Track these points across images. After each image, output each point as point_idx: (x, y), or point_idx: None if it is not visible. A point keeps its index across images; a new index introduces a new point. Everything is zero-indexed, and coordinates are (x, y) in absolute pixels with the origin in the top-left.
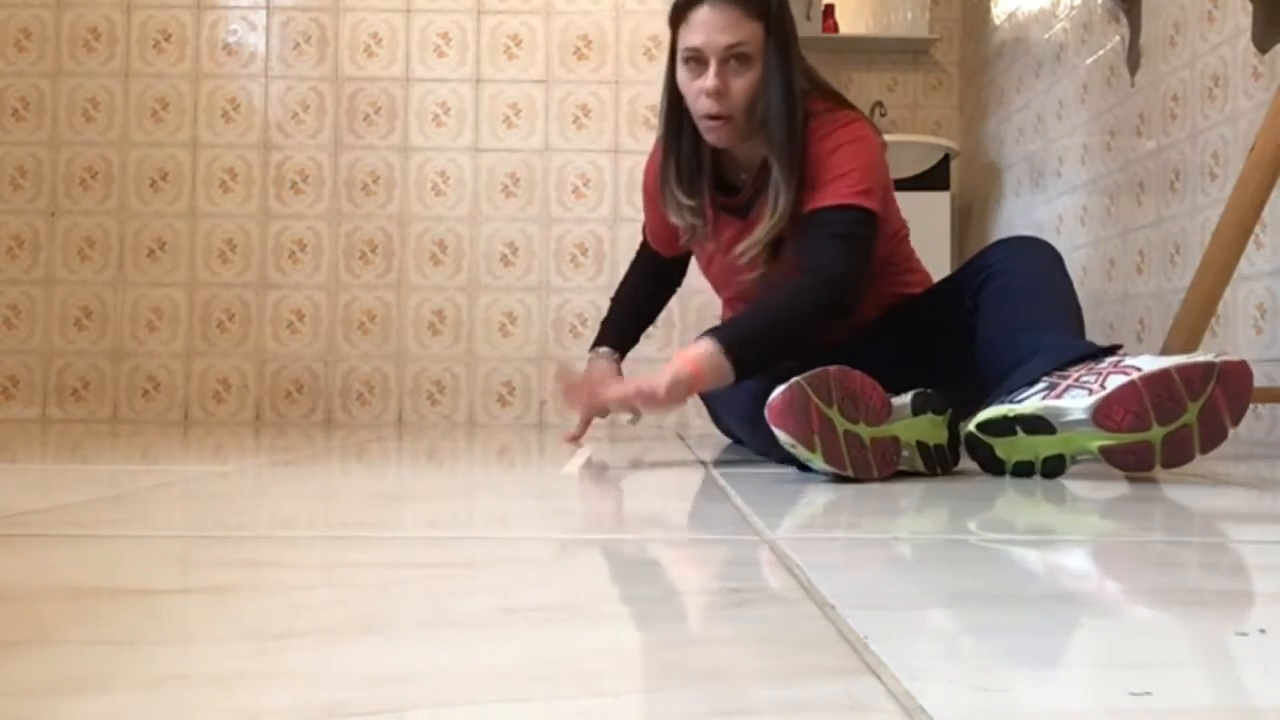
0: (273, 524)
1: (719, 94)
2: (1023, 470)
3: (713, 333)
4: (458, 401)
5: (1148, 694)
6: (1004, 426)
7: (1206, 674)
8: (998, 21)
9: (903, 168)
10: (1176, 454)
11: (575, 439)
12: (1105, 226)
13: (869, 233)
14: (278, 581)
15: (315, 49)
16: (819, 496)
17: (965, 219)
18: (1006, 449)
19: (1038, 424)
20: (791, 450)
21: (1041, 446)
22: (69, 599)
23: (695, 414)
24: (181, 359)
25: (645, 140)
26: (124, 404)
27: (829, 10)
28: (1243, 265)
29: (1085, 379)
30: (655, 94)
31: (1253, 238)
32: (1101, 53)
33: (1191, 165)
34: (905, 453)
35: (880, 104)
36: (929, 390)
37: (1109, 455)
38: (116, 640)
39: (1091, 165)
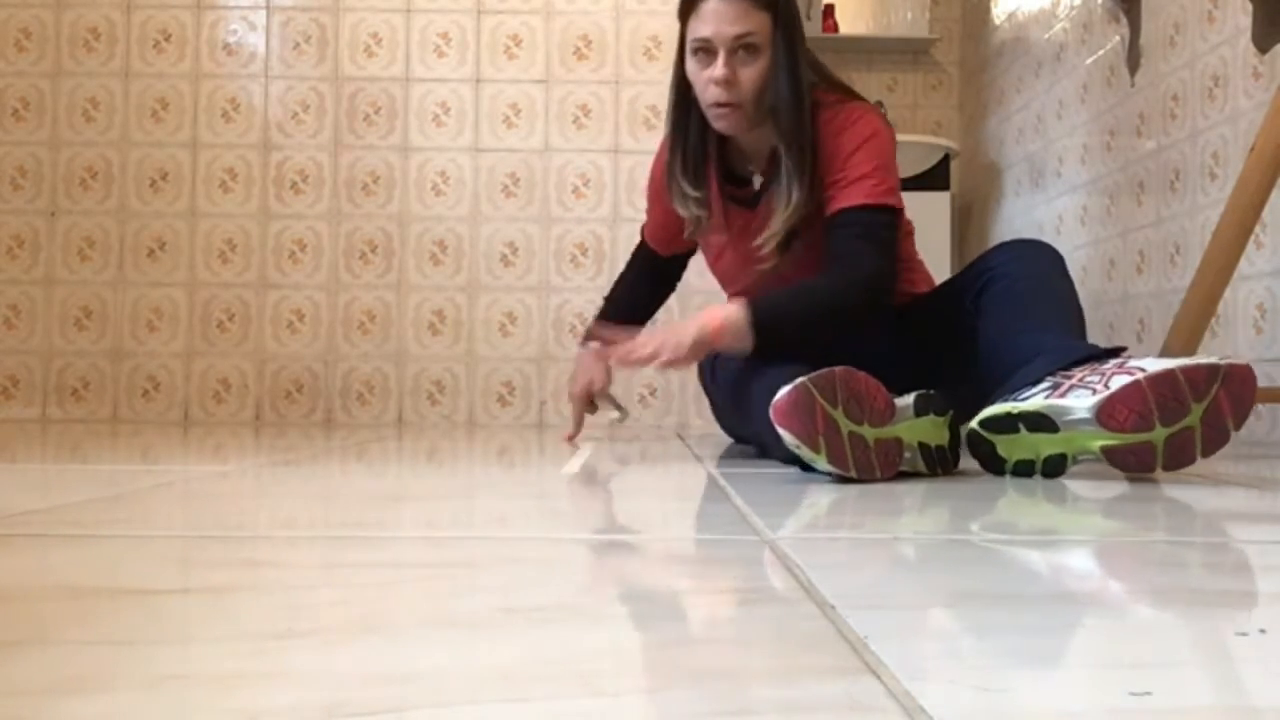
0: (273, 524)
1: (728, 83)
2: (1023, 469)
3: (752, 305)
4: (458, 401)
5: (1148, 694)
6: (1007, 424)
7: (1206, 674)
8: (998, 21)
9: (903, 168)
10: (1178, 455)
11: (573, 437)
12: (1105, 226)
13: (894, 233)
14: (278, 581)
15: (315, 49)
16: (820, 497)
17: (965, 219)
18: (1008, 447)
19: (1041, 421)
20: (796, 451)
21: (1043, 445)
22: (69, 599)
23: (695, 414)
24: (181, 359)
25: (645, 140)
26: (124, 404)
27: (829, 10)
28: (1243, 265)
29: (1089, 379)
30: (655, 94)
31: (1253, 238)
32: (1101, 53)
33: (1191, 165)
34: (907, 454)
35: (880, 104)
36: (931, 391)
37: (1111, 455)
38: (116, 640)
39: (1091, 165)
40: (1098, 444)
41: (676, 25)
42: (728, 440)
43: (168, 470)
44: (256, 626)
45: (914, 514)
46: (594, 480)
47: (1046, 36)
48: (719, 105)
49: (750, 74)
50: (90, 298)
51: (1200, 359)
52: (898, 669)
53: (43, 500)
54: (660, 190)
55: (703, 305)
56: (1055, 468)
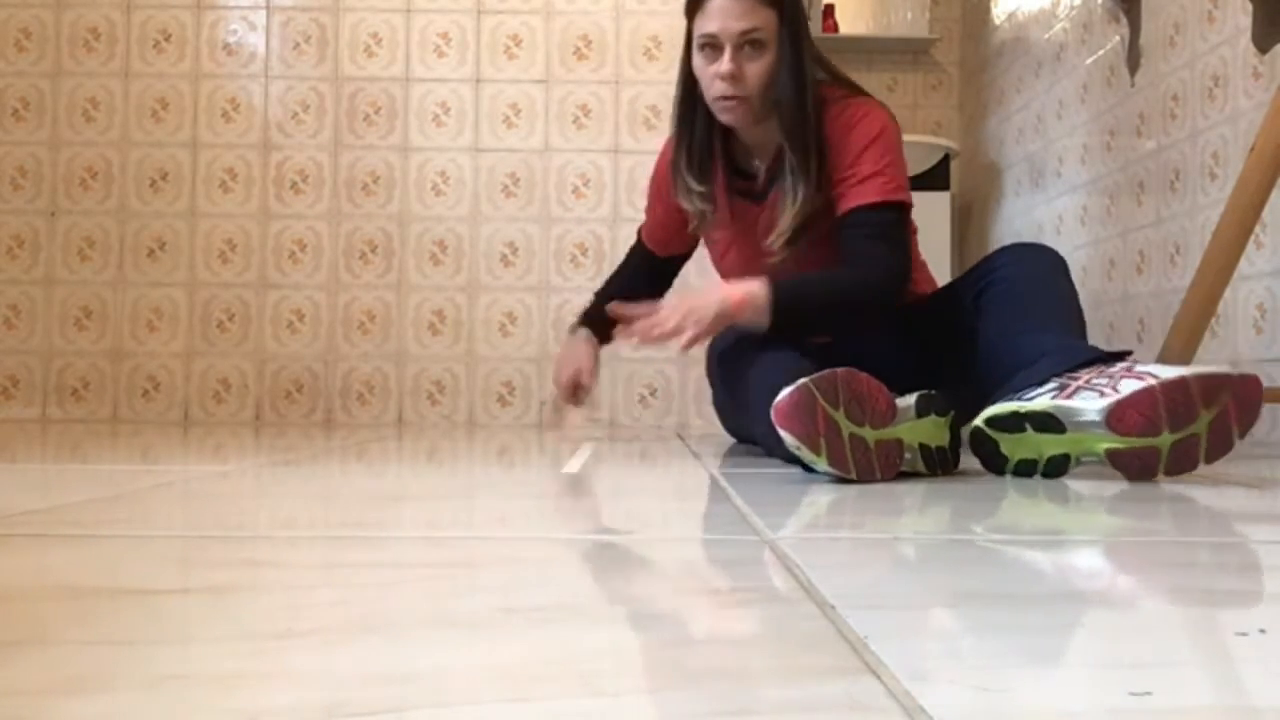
0: (273, 524)
1: (734, 78)
2: (1025, 469)
3: (769, 280)
4: (458, 401)
5: (1148, 694)
6: (1013, 423)
7: (1206, 674)
8: (998, 21)
9: None
10: (1182, 462)
11: (553, 426)
12: (1105, 226)
13: (906, 230)
14: (278, 581)
15: (315, 49)
16: (820, 497)
17: (965, 219)
18: (1012, 446)
19: (1049, 422)
20: (796, 452)
21: (1048, 445)
22: (69, 599)
23: (695, 414)
24: (181, 359)
25: (645, 140)
26: (124, 404)
27: (829, 10)
28: (1243, 265)
29: (1096, 381)
30: (655, 94)
31: (1253, 238)
32: (1101, 53)
33: (1191, 165)
34: (908, 454)
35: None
36: (933, 392)
37: (1115, 459)
38: (116, 640)
39: (1091, 165)
40: (1103, 447)
41: (676, 25)
42: (728, 440)
43: (168, 470)
44: (256, 626)
45: (914, 514)
46: (594, 480)
47: (1046, 36)
48: (724, 99)
49: (755, 69)
50: (90, 298)
51: (1213, 368)
52: (898, 669)
53: (43, 500)
54: (663, 186)
55: None
56: (1057, 469)
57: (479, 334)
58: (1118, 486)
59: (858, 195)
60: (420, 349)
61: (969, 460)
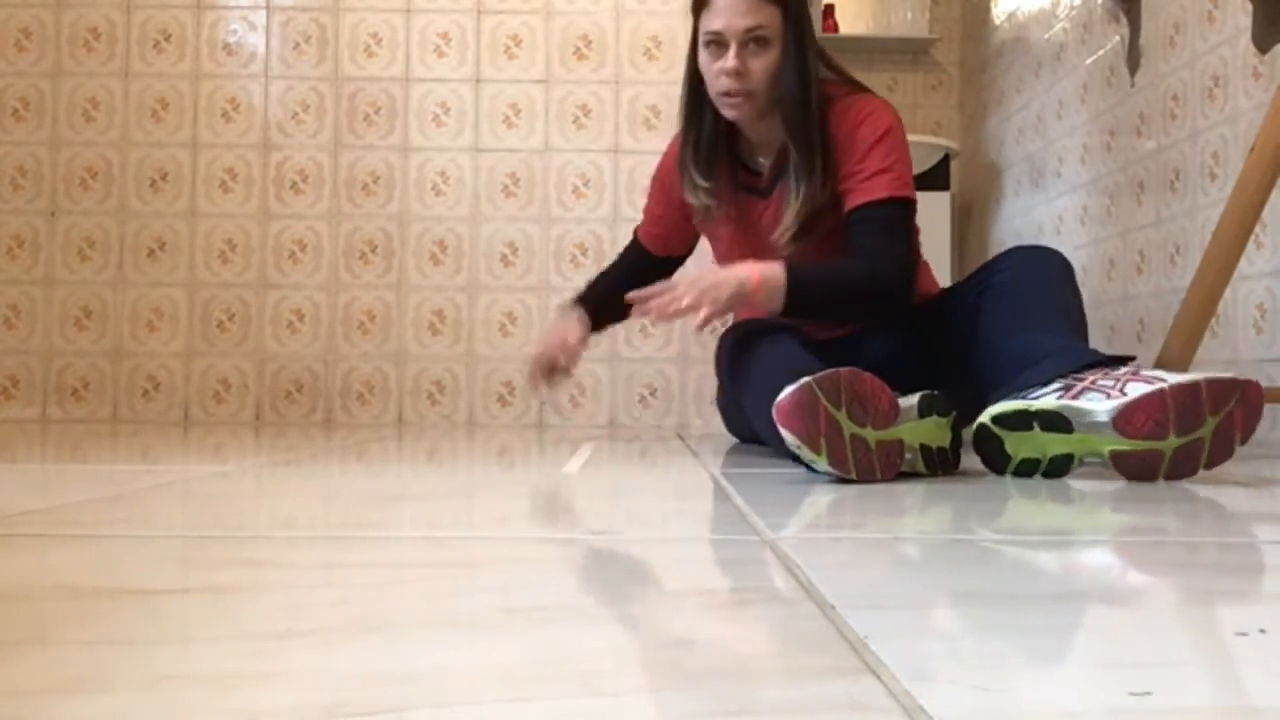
0: (273, 524)
1: (738, 74)
2: (1027, 468)
3: (790, 267)
4: (458, 401)
5: (1148, 694)
6: (1020, 420)
7: (1206, 674)
8: (998, 21)
9: None
10: (1183, 466)
11: (554, 370)
12: (1105, 226)
13: (912, 226)
14: (278, 581)
15: (315, 49)
16: (820, 497)
17: (965, 219)
18: (1016, 444)
19: (1057, 421)
20: (796, 451)
21: (1052, 445)
22: (69, 599)
23: (695, 414)
24: (181, 359)
25: (645, 140)
26: (124, 404)
27: (829, 10)
28: (1243, 265)
29: (1102, 383)
30: (655, 94)
31: (1253, 238)
32: (1101, 53)
33: (1191, 165)
34: (908, 455)
35: None
36: (935, 392)
37: (1118, 461)
38: (116, 640)
39: (1091, 165)
40: (1109, 448)
41: (677, 25)
42: (728, 440)
43: (168, 470)
44: (256, 626)
45: (915, 514)
46: (594, 480)
47: (1046, 36)
48: (729, 95)
49: (760, 65)
50: (90, 298)
51: (1222, 374)
52: (898, 669)
53: (43, 500)
54: (665, 183)
55: None
56: (1059, 469)
57: (479, 334)
58: (1118, 486)
59: (866, 191)
60: (420, 349)
61: (969, 461)
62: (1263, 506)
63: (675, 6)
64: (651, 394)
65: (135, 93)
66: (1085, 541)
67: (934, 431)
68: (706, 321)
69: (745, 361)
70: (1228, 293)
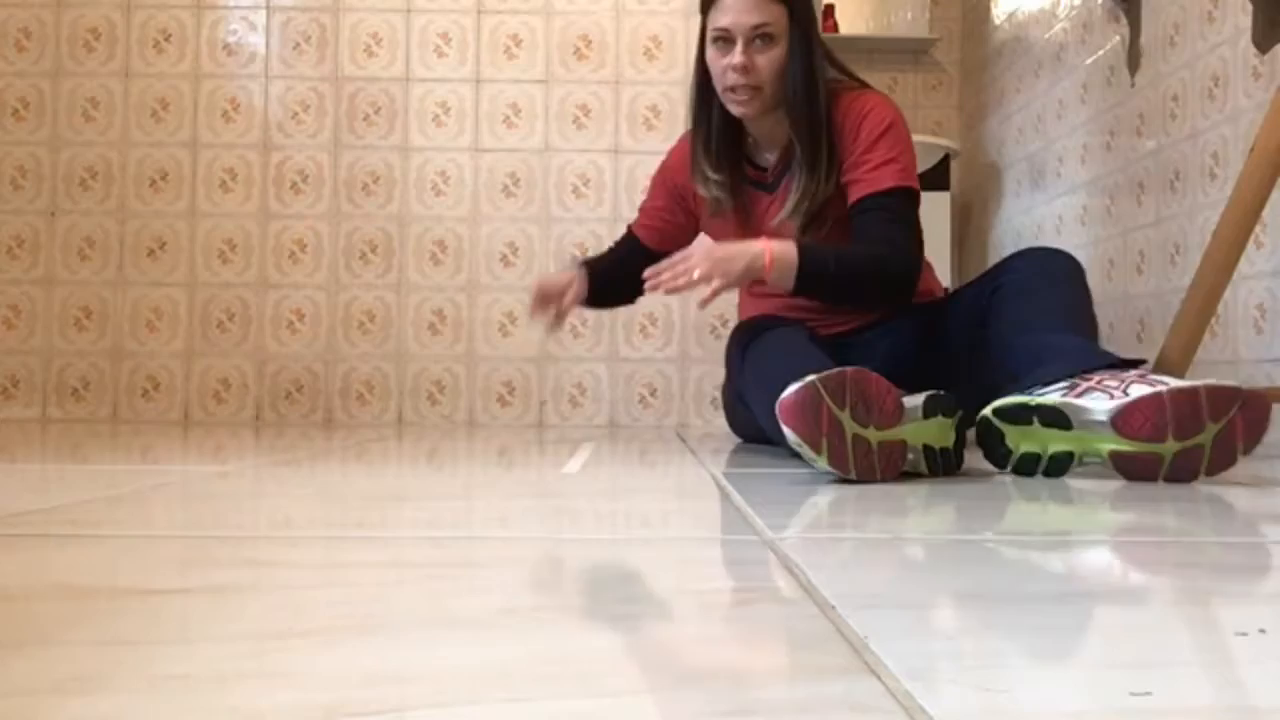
0: (273, 524)
1: (745, 69)
2: (1028, 463)
3: (801, 246)
4: (458, 401)
5: (1148, 694)
6: (1021, 414)
7: (1206, 674)
8: (998, 21)
9: None
10: (1182, 471)
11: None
12: (1105, 226)
13: (918, 216)
14: (278, 581)
15: (315, 49)
16: (821, 497)
17: (965, 219)
18: (1017, 438)
19: (1055, 417)
20: (797, 449)
21: (1053, 441)
22: (69, 599)
23: (695, 414)
24: (181, 359)
25: (645, 140)
26: (124, 404)
27: (829, 10)
28: (1243, 265)
29: (1108, 384)
30: (655, 94)
31: (1253, 238)
32: (1101, 53)
33: (1191, 165)
34: (910, 455)
35: None
36: (941, 392)
37: (1118, 461)
38: (116, 640)
39: (1091, 165)
40: (1108, 448)
41: (677, 25)
42: (728, 440)
43: (168, 470)
44: (256, 626)
45: (916, 514)
46: (594, 480)
47: (1046, 36)
48: (735, 90)
49: (766, 61)
50: (90, 298)
51: (1226, 383)
52: (898, 669)
53: (43, 500)
54: (671, 178)
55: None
56: (1060, 466)
57: (479, 334)
58: (1119, 486)
59: (873, 182)
60: (420, 349)
61: (972, 461)
62: (1263, 506)
63: (675, 6)
64: (651, 394)
65: (135, 93)
66: (1086, 541)
67: (938, 432)
68: (714, 294)
69: (755, 355)
70: (1228, 293)
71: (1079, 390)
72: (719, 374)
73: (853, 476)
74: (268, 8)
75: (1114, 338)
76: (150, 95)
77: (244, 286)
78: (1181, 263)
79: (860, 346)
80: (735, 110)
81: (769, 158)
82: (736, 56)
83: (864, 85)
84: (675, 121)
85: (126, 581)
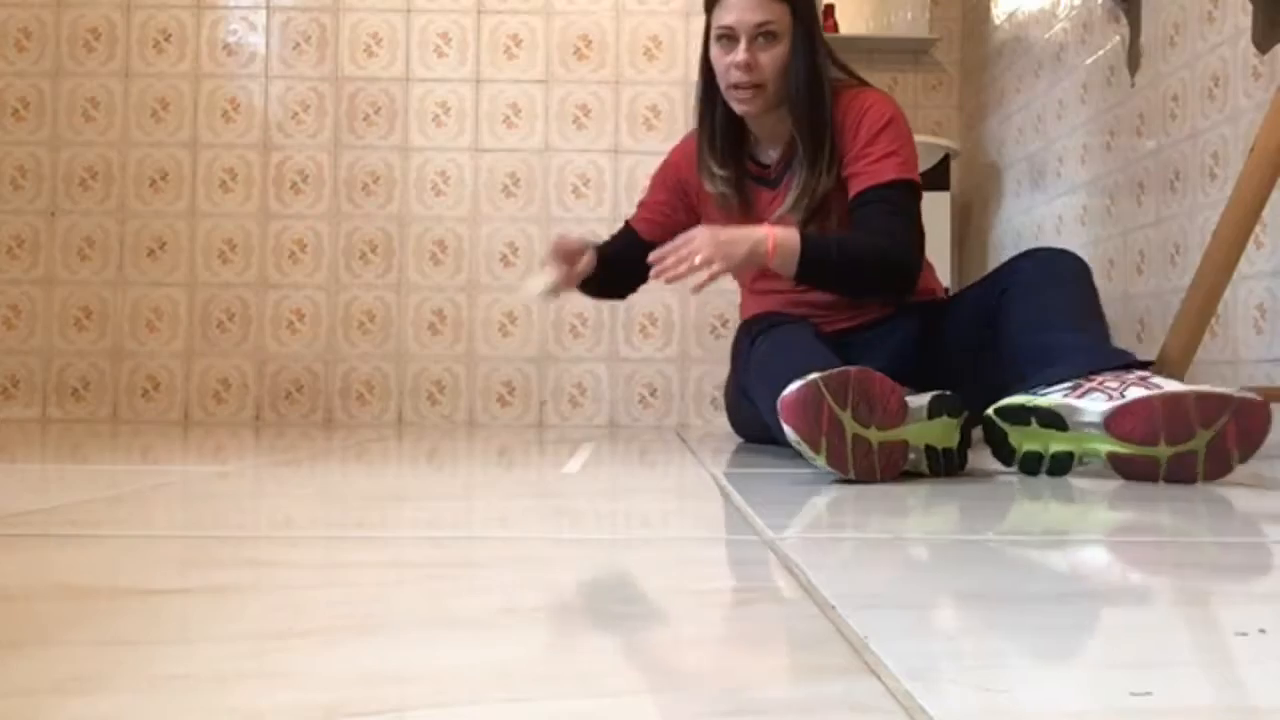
0: (273, 524)
1: (748, 67)
2: (1031, 461)
3: (804, 233)
4: (458, 401)
5: (1148, 694)
6: (1020, 414)
7: (1206, 674)
8: (998, 21)
9: None
10: (1179, 475)
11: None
12: (1105, 226)
13: (919, 208)
14: (278, 581)
15: (315, 49)
16: (821, 497)
17: (965, 219)
18: (1019, 437)
19: (1051, 418)
20: (796, 447)
21: (1054, 441)
22: (69, 599)
23: (695, 414)
24: (181, 359)
25: (645, 140)
26: (124, 404)
27: (829, 10)
28: (1243, 265)
29: (1108, 385)
30: (655, 94)
31: (1253, 238)
32: (1101, 53)
33: (1191, 165)
34: (912, 455)
35: None
36: (947, 393)
37: (1115, 462)
38: (116, 640)
39: (1091, 165)
40: (1105, 449)
41: (677, 25)
42: (728, 440)
43: (168, 470)
44: (256, 626)
45: (916, 514)
46: (594, 480)
47: (1046, 36)
48: (739, 87)
49: (769, 58)
50: (90, 298)
51: (1218, 389)
52: (898, 669)
53: (43, 500)
54: (673, 173)
55: (702, 304)
56: (1062, 466)
57: (479, 334)
58: (1119, 485)
59: (874, 175)
60: (420, 349)
61: (975, 461)
62: (1263, 506)
63: (675, 7)
64: (651, 394)
65: (135, 93)
66: (1086, 541)
67: (942, 433)
68: (711, 278)
69: (762, 350)
70: (1228, 293)
71: (1081, 391)
72: (719, 374)
73: (851, 476)
74: (268, 8)
75: (1114, 337)
76: (150, 95)
77: (244, 286)
78: (1181, 263)
79: (862, 345)
80: (738, 108)
81: (772, 154)
82: (740, 54)
83: (865, 84)
84: (675, 121)
85: (126, 581)
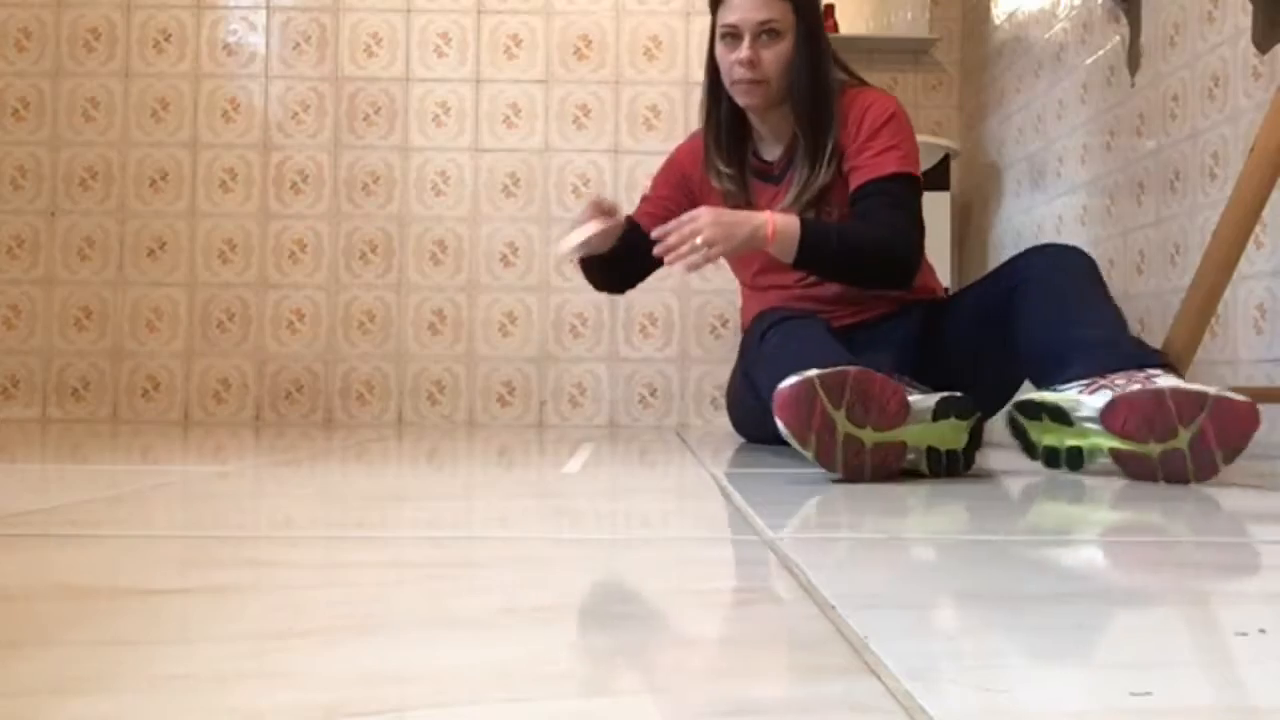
0: (273, 524)
1: (751, 64)
2: (1051, 456)
3: (804, 219)
4: (458, 401)
5: (1148, 694)
6: (1033, 409)
7: (1206, 674)
8: (998, 21)
9: None
10: (1172, 473)
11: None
12: (1105, 226)
13: (920, 202)
14: (278, 581)
15: (315, 49)
16: (821, 497)
17: (965, 219)
18: (1038, 432)
19: (1058, 414)
20: (787, 439)
21: (1067, 436)
22: (69, 599)
23: (695, 414)
24: (181, 359)
25: (645, 140)
26: (124, 404)
27: (829, 10)
28: (1243, 265)
29: (1118, 381)
30: (655, 94)
31: (1253, 238)
32: (1101, 53)
33: (1191, 165)
34: (911, 456)
35: None
36: (957, 394)
37: (1118, 459)
38: (116, 640)
39: (1091, 165)
40: (1107, 445)
41: (677, 25)
42: (728, 440)
43: (168, 470)
44: (256, 626)
45: (915, 514)
46: (594, 480)
47: (1046, 36)
48: (742, 83)
49: (771, 56)
50: (90, 298)
51: (1194, 385)
52: (898, 669)
53: (43, 500)
54: (677, 169)
55: (702, 305)
56: (1074, 461)
57: (479, 334)
58: (1119, 485)
59: (874, 168)
60: (420, 349)
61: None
62: (1264, 507)
63: (675, 7)
64: (651, 394)
65: (135, 93)
66: (1086, 541)
67: (947, 434)
68: (709, 259)
69: (773, 342)
70: (1228, 293)
71: (1093, 387)
72: (719, 374)
73: (839, 474)
74: (268, 8)
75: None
76: (150, 95)
77: (244, 286)
78: (1181, 263)
79: (864, 342)
80: (741, 100)
81: (775, 151)
82: (743, 51)
83: (866, 85)
84: (675, 121)
85: (126, 581)
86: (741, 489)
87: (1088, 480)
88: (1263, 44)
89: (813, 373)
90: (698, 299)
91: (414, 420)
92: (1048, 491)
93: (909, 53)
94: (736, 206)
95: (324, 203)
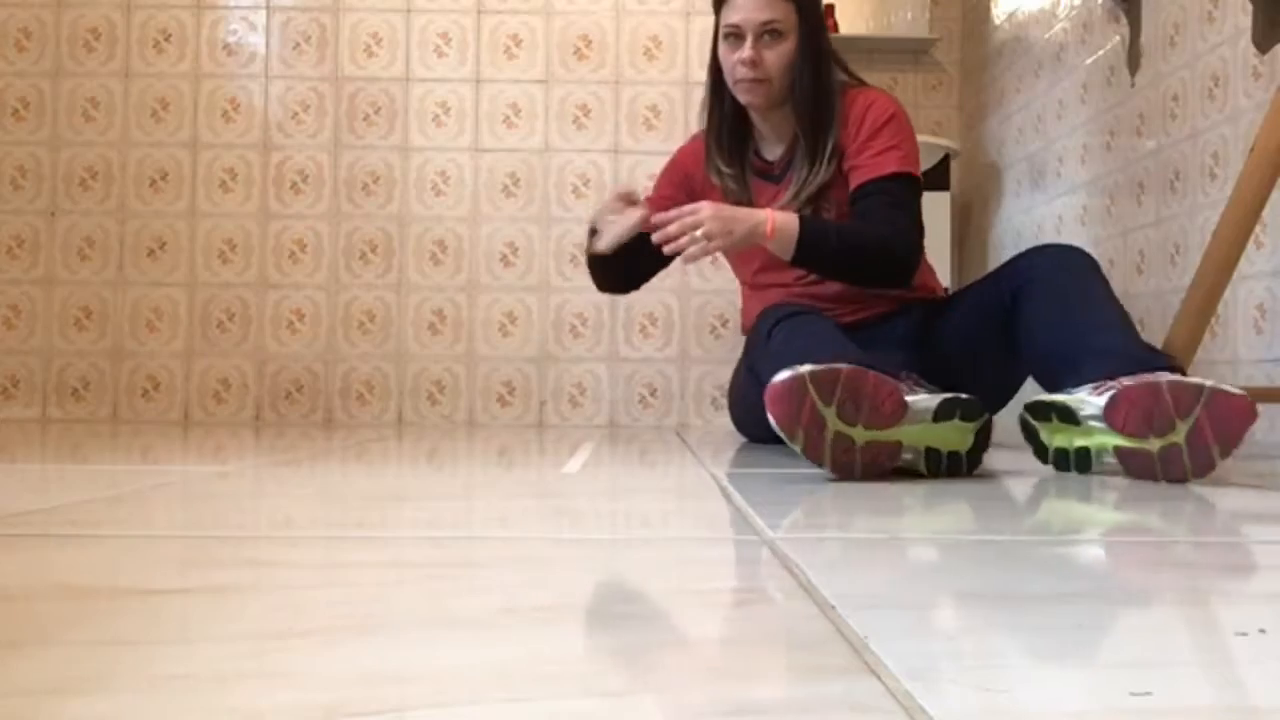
0: (273, 524)
1: (753, 63)
2: (1061, 457)
3: (803, 217)
4: (458, 401)
5: (1148, 694)
6: (1043, 410)
7: (1206, 674)
8: (998, 21)
9: None
10: (1171, 470)
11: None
12: (1105, 226)
13: (920, 204)
14: (278, 581)
15: (315, 49)
16: (821, 497)
17: (965, 219)
18: (1049, 433)
19: (1065, 413)
20: (778, 432)
21: (1076, 436)
22: (69, 599)
23: (695, 414)
24: (181, 359)
25: (645, 140)
26: (124, 404)
27: (829, 10)
28: (1243, 265)
29: (1124, 381)
30: (655, 94)
31: (1253, 238)
32: (1101, 53)
33: (1191, 165)
34: (908, 456)
35: None
36: (963, 396)
37: (1121, 456)
38: (116, 640)
39: (1091, 165)
40: (1111, 443)
41: (677, 25)
42: (728, 440)
43: (168, 470)
44: (256, 626)
45: (915, 515)
46: (594, 480)
47: (1046, 36)
48: (744, 82)
49: (774, 55)
50: (90, 298)
51: (1190, 378)
52: (898, 669)
53: (43, 500)
54: (680, 169)
55: (703, 305)
56: (1082, 462)
57: (479, 334)
58: (1120, 485)
59: (874, 167)
60: (420, 349)
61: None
62: (1263, 507)
63: (675, 7)
64: (651, 394)
65: (135, 93)
66: (1086, 541)
67: (949, 435)
68: (705, 253)
69: (779, 335)
70: (1228, 293)
71: (1102, 389)
72: (719, 374)
73: (827, 471)
74: (268, 8)
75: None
76: (150, 95)
77: (244, 286)
78: (1181, 263)
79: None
80: (742, 98)
81: (776, 151)
82: (746, 51)
83: (867, 86)
84: (675, 122)
85: (126, 581)
86: (741, 489)
87: (1088, 480)
88: (1263, 44)
89: (805, 368)
90: (698, 299)
91: (414, 420)
92: (1048, 491)
93: (909, 53)
94: (738, 205)
95: (324, 203)
